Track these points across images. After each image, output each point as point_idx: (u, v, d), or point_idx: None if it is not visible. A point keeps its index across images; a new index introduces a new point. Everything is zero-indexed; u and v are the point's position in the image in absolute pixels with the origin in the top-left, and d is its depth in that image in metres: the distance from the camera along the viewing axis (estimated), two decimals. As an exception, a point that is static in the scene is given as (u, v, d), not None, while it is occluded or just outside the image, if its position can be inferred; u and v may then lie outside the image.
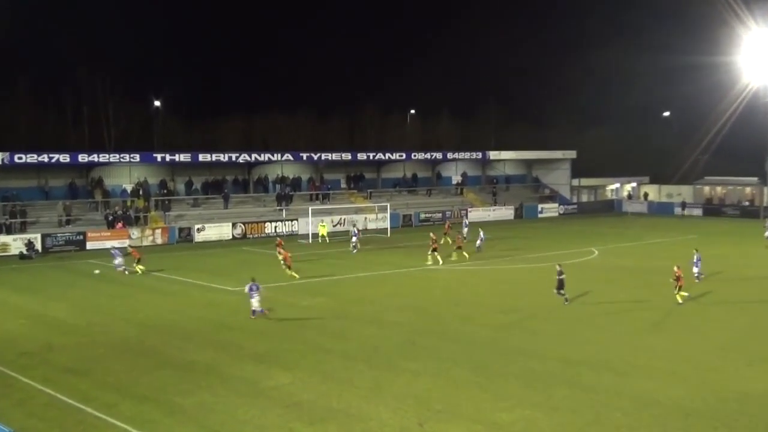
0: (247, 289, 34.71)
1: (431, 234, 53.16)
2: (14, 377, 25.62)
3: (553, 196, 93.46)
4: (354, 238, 57.98)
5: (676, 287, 36.90)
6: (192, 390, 24.06)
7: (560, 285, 36.74)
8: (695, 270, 42.71)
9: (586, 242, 61.33)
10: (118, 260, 48.38)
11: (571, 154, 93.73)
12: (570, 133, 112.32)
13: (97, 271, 48.44)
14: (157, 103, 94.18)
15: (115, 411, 22.24)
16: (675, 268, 37.29)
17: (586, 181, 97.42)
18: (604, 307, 36.64)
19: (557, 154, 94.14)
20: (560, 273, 36.88)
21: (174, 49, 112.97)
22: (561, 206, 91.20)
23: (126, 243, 58.57)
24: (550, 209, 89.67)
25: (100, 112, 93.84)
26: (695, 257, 43.08)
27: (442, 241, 55.40)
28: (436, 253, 50.40)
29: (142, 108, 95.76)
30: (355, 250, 56.88)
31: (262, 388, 24.26)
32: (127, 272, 47.39)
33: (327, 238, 63.23)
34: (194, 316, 35.43)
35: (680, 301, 36.69)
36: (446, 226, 63.44)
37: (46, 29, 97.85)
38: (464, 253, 52.00)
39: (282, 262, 46.80)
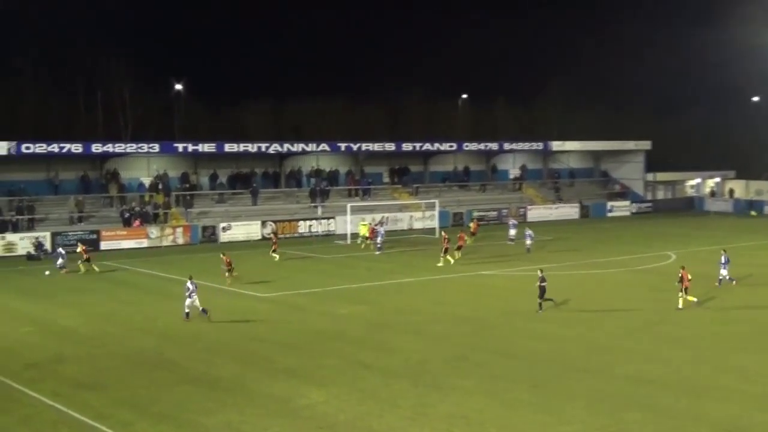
0: (185, 288, 36.33)
1: (443, 233, 54.49)
2: (20, 391, 26.08)
3: (624, 193, 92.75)
4: (380, 238, 58.61)
5: (680, 290, 38.01)
6: (216, 408, 24.29)
7: (542, 293, 37.42)
8: (723, 272, 43.31)
9: (661, 245, 60.79)
10: (60, 261, 50.64)
11: (645, 144, 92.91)
12: (644, 122, 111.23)
13: (47, 273, 49.77)
14: (178, 87, 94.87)
15: (132, 430, 22.56)
16: (680, 270, 38.58)
17: (662, 176, 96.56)
18: (681, 319, 36.33)
19: (629, 144, 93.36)
20: (542, 280, 37.39)
21: (196, 26, 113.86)
22: (633, 204, 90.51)
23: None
24: (620, 207, 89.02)
25: (115, 97, 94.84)
26: (723, 258, 43.56)
27: (468, 241, 57.29)
28: (448, 255, 51.79)
29: (161, 92, 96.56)
30: (379, 251, 57.47)
31: (293, 407, 24.43)
32: (65, 272, 49.95)
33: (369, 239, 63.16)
34: (218, 325, 35.70)
35: (680, 306, 37.83)
36: (474, 225, 63.81)
37: (54, 4, 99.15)
38: (449, 258, 52.21)
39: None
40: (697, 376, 27.36)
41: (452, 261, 51.93)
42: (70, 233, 60.54)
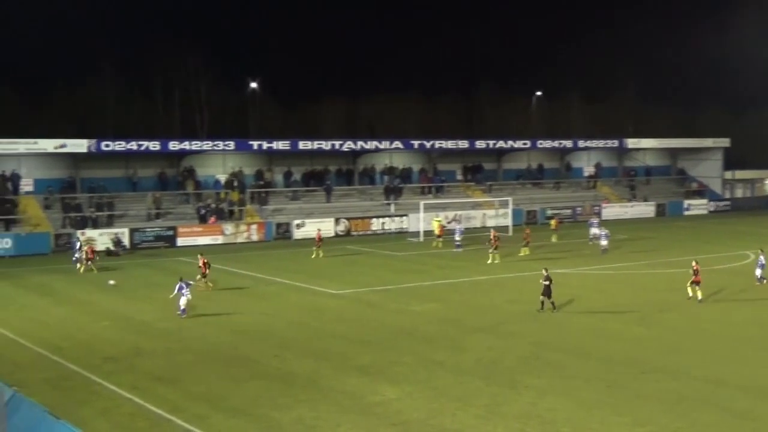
0: (176, 288, 37.18)
1: (492, 231, 54.69)
2: (99, 383, 26.56)
3: (702, 191, 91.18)
4: (458, 235, 58.58)
5: (690, 282, 39.43)
6: (289, 404, 24.46)
7: (547, 292, 36.90)
8: (758, 272, 42.85)
9: (739, 244, 59.59)
10: (76, 255, 51.46)
11: (724, 142, 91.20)
12: (723, 118, 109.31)
13: (112, 282, 45.40)
14: (253, 85, 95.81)
15: (206, 424, 22.81)
16: (693, 263, 39.99)
17: (741, 174, 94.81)
18: (764, 320, 35.59)
19: (707, 142, 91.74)
20: (547, 279, 36.87)
21: (271, 25, 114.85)
22: (710, 202, 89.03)
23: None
24: (697, 206, 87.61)
25: (192, 96, 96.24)
26: (761, 259, 43.05)
27: (521, 253, 55.73)
28: (496, 252, 51.99)
29: (237, 90, 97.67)
30: (458, 248, 57.44)
31: (366, 404, 24.48)
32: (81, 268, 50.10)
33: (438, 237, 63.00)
34: (293, 321, 36.01)
35: (691, 294, 39.28)
36: (526, 232, 59.17)
37: (132, 6, 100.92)
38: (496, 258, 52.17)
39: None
40: (777, 379, 26.77)
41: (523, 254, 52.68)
42: (147, 229, 61.64)
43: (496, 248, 52.27)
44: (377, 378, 27.00)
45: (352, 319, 36.41)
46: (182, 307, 36.78)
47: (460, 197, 76.31)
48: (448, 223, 62.18)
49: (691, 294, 39.49)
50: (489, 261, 51.71)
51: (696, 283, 39.34)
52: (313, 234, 64.74)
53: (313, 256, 47.15)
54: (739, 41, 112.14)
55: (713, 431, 22.18)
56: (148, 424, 22.99)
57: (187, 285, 37.44)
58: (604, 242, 56.25)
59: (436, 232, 61.92)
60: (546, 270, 37.60)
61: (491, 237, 52.63)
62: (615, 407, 23.99)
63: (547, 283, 36.88)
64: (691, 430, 22.25)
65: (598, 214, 77.48)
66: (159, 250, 59.85)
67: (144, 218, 64.21)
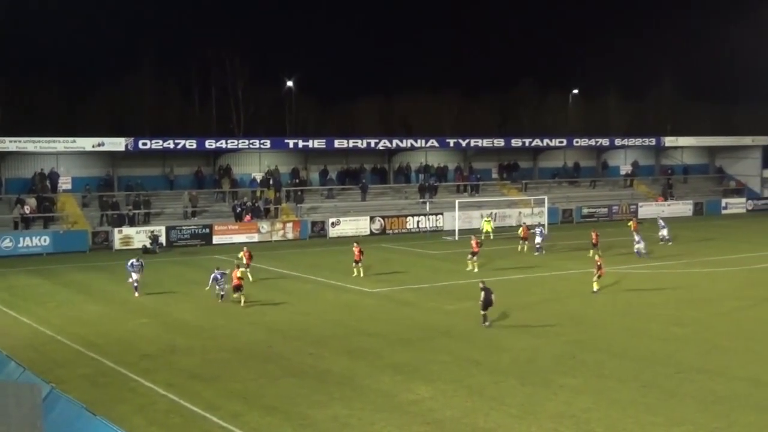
0: (211, 279, 39.47)
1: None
2: (136, 380, 26.78)
3: (740, 190, 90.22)
4: (539, 238, 55.82)
5: (596, 275, 40.90)
6: (324, 402, 24.52)
7: (486, 304, 34.01)
8: None
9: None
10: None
11: (764, 140, 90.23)
12: (763, 116, 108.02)
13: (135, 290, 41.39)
14: (289, 84, 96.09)
15: (241, 421, 22.91)
16: (596, 257, 42.34)
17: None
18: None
19: (746, 140, 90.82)
20: (485, 290, 34.07)
21: (307, 23, 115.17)
22: (749, 201, 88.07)
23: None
24: (735, 204, 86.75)
25: (229, 94, 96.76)
26: None
27: (519, 249, 56.09)
28: (474, 258, 48.71)
29: (273, 89, 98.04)
30: (538, 253, 55.15)
31: (400, 402, 24.49)
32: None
33: (491, 234, 63.03)
34: (328, 319, 36.09)
35: (596, 288, 40.58)
36: (523, 228, 58.17)
37: (170, 4, 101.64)
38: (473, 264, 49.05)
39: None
40: (816, 380, 26.45)
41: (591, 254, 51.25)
42: (184, 227, 62.05)
43: (474, 254, 48.91)
44: (412, 376, 27.00)
45: (387, 317, 36.43)
46: (221, 293, 38.98)
47: (495, 196, 76.15)
48: (530, 226, 59.39)
49: (596, 288, 40.92)
50: (468, 268, 48.52)
51: (598, 276, 41.11)
52: (350, 232, 65.20)
53: (354, 275, 46.08)
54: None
55: (750, 430, 21.96)
56: (184, 420, 23.15)
57: (222, 275, 39.11)
58: (664, 233, 58.15)
59: (486, 229, 62.73)
60: (483, 282, 34.89)
61: (473, 242, 49.43)
62: (650, 407, 23.83)
63: (487, 295, 34.13)
64: (728, 430, 22.04)
65: (635, 212, 77.04)
66: (195, 248, 60.22)
67: (180, 216, 64.65)
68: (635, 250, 52.79)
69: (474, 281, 37.83)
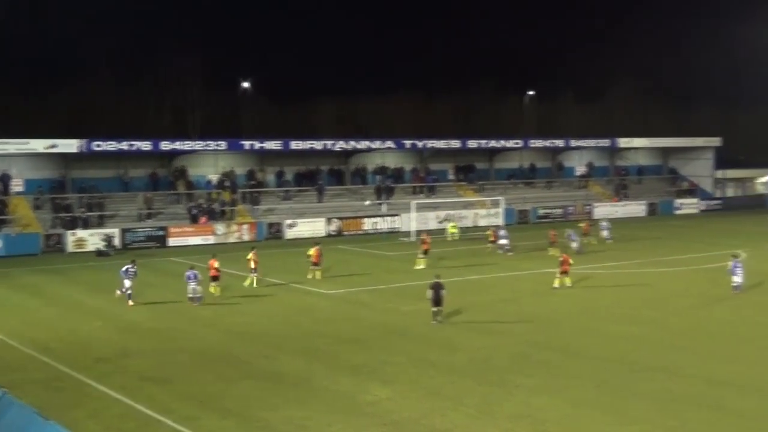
0: (185, 277, 39.15)
1: (424, 235, 54.08)
2: (90, 385, 26.47)
3: (693, 190, 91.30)
4: (504, 240, 56.71)
5: (559, 271, 42.23)
6: (280, 404, 24.41)
7: (436, 300, 34.54)
8: (735, 280, 40.80)
9: (730, 244, 59.56)
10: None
11: (715, 141, 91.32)
12: (714, 117, 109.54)
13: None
14: (245, 85, 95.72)
15: (197, 425, 22.75)
16: (561, 257, 43.20)
17: (732, 173, 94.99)
18: (757, 319, 35.67)
19: (698, 141, 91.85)
20: (438, 286, 34.62)
21: (264, 24, 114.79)
22: (702, 202, 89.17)
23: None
24: (688, 205, 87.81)
25: (184, 96, 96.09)
26: (731, 264, 41.44)
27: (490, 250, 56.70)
28: (425, 257, 50.13)
29: (229, 90, 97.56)
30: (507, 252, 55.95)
31: (357, 404, 24.45)
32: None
33: (457, 235, 64.12)
34: (284, 321, 35.96)
35: (557, 285, 41.95)
36: (491, 232, 59.61)
37: (124, 6, 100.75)
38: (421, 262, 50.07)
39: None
40: (766, 377, 26.75)
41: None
42: (138, 230, 61.51)
43: (425, 252, 50.33)
44: (369, 378, 26.97)
45: (344, 318, 36.37)
46: (192, 296, 38.63)
47: (452, 197, 76.31)
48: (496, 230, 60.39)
49: (557, 285, 42.13)
50: (418, 267, 49.34)
51: (564, 272, 42.35)
52: (306, 233, 64.99)
53: (309, 277, 46.02)
54: (731, 41, 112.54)
55: (704, 429, 22.20)
56: (138, 425, 22.92)
57: (196, 276, 38.91)
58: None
59: (453, 233, 64.10)
60: (437, 277, 35.79)
61: (423, 239, 51.33)
62: (606, 406, 24.00)
63: (440, 291, 34.65)
64: (683, 428, 22.26)
65: (589, 213, 77.83)
66: (150, 250, 59.65)
67: (135, 218, 64.05)
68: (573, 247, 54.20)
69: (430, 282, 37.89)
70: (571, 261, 43.34)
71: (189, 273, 39.29)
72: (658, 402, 24.28)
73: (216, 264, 41.92)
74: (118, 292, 39.86)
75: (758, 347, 30.77)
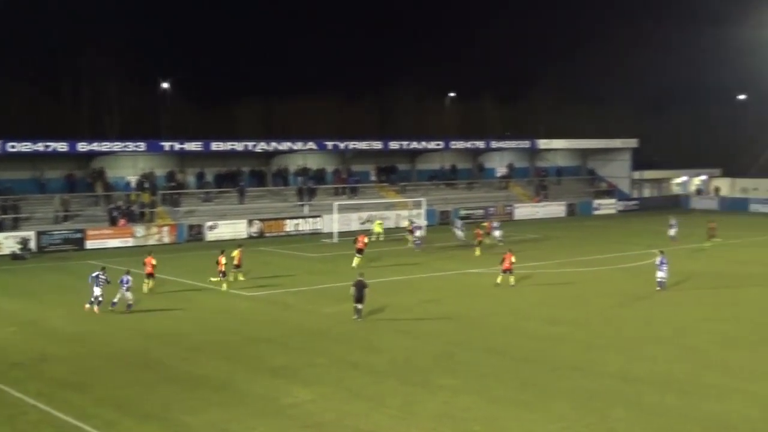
0: (120, 281, 37.84)
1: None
2: (5, 391, 25.87)
3: (611, 191, 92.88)
4: (418, 233, 59.99)
5: (502, 270, 43.25)
6: (202, 407, 24.17)
7: (359, 297, 35.31)
8: (660, 275, 42.19)
9: (647, 243, 60.77)
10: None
11: (632, 142, 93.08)
12: (631, 119, 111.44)
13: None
14: (165, 85, 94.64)
15: (116, 429, 22.43)
16: (509, 255, 43.48)
17: (648, 174, 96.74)
18: (672, 317, 36.39)
19: (616, 143, 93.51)
20: (361, 284, 35.44)
21: (184, 24, 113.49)
22: (619, 202, 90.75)
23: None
24: (606, 205, 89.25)
25: (102, 96, 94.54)
26: (658, 260, 42.70)
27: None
28: (360, 256, 50.79)
29: (148, 91, 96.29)
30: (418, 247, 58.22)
31: (280, 406, 24.32)
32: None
33: (381, 236, 64.18)
34: (205, 324, 35.59)
35: (500, 281, 43.10)
36: (407, 227, 63.42)
37: (39, 4, 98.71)
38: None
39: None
40: (684, 374, 27.34)
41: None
42: (55, 232, 60.28)
43: (360, 252, 50.99)
44: (291, 380, 26.86)
45: (266, 320, 36.17)
46: (121, 301, 37.60)
47: (374, 198, 76.40)
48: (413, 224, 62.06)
49: (500, 281, 43.17)
50: (354, 264, 49.73)
51: (508, 270, 43.24)
52: (226, 236, 64.51)
53: (231, 279, 45.62)
54: (647, 45, 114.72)
55: (623, 426, 22.57)
56: (55, 430, 22.50)
57: (129, 281, 37.68)
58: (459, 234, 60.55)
59: (379, 231, 64.56)
60: (361, 275, 36.40)
61: (360, 240, 51.91)
62: (527, 404, 24.26)
63: (355, 288, 35.33)
64: (601, 425, 22.61)
65: (510, 214, 78.92)
66: (67, 253, 58.55)
67: (51, 221, 62.77)
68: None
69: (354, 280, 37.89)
70: (513, 259, 43.53)
71: (123, 278, 37.77)
72: (579, 400, 24.63)
73: (153, 261, 42.72)
74: (87, 305, 37.52)
75: (675, 345, 31.39)
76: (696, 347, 31.05)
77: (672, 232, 62.15)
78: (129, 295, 37.71)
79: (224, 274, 43.44)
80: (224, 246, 49.13)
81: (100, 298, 37.39)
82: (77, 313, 37.61)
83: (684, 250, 56.09)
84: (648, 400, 24.57)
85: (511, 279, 43.40)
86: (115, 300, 37.66)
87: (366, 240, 52.79)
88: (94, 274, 38.03)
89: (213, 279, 44.45)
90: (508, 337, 32.78)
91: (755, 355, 29.89)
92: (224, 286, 43.24)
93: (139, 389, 25.98)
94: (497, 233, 61.15)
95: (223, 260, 43.49)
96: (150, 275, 42.46)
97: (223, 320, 36.35)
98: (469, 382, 26.48)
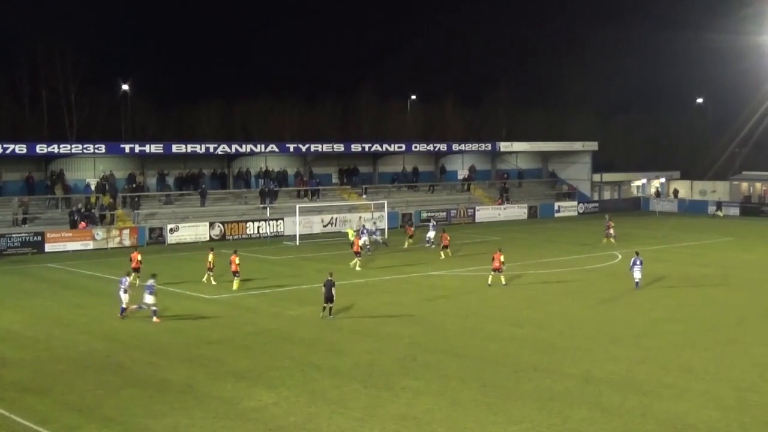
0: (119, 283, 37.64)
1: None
2: (-37, 396, 25.62)
3: (572, 193, 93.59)
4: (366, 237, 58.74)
5: (492, 269, 44.25)
6: (164, 411, 24.07)
7: (328, 297, 36.29)
8: (636, 276, 43.24)
9: (608, 246, 61.38)
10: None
11: (592, 145, 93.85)
12: (591, 123, 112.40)
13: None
14: (125, 87, 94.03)
15: (77, 435, 22.25)
16: (495, 253, 44.70)
17: (608, 177, 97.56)
18: (632, 319, 36.73)
19: (576, 145, 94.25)
20: (330, 283, 36.31)
21: (144, 25, 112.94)
22: (580, 204, 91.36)
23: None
24: (567, 208, 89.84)
25: (61, 97, 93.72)
26: (633, 261, 43.72)
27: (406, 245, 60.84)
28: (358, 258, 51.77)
29: (108, 92, 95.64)
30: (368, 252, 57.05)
31: (242, 410, 24.28)
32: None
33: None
34: (167, 328, 35.40)
35: (491, 282, 44.04)
36: (408, 228, 65.29)
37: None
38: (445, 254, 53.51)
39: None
40: (644, 375, 27.62)
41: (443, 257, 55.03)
42: (14, 235, 59.67)
43: (445, 247, 55.08)
44: (254, 383, 26.81)
45: (228, 324, 36.03)
46: (138, 306, 36.90)
47: (336, 200, 76.43)
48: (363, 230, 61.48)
49: (491, 281, 44.13)
50: (352, 264, 51.34)
51: (497, 269, 44.24)
52: (189, 238, 64.30)
53: (203, 279, 45.62)
54: (607, 49, 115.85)
55: (584, 427, 22.77)
56: (15, 436, 22.33)
57: (152, 287, 36.70)
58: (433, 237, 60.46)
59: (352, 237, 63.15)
60: (330, 274, 37.30)
61: (356, 242, 53.06)
62: (490, 406, 24.40)
63: (325, 287, 36.21)
64: (563, 426, 22.80)
65: (472, 216, 79.31)
66: (26, 256, 58.01)
67: (10, 224, 62.16)
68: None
69: (319, 286, 37.95)
70: (502, 258, 44.41)
71: (148, 282, 36.78)
72: (540, 401, 24.82)
73: (139, 257, 45.49)
74: (134, 306, 37.01)
75: (634, 346, 31.70)
76: (656, 348, 31.37)
77: (611, 231, 63.70)
78: (151, 299, 36.34)
79: (237, 273, 44.39)
80: (191, 248, 49.05)
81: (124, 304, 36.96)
82: (37, 316, 37.29)
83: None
84: (609, 401, 24.81)
85: (502, 278, 44.27)
86: (135, 306, 36.78)
87: (360, 243, 53.53)
88: (147, 283, 36.95)
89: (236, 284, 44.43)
90: (471, 338, 32.94)
91: (713, 356, 30.25)
92: (235, 285, 44.10)
93: (100, 393, 25.81)
94: (431, 234, 61.19)
95: (236, 260, 44.32)
96: (136, 269, 44.75)
97: (186, 324, 36.17)
98: (432, 384, 26.59)
